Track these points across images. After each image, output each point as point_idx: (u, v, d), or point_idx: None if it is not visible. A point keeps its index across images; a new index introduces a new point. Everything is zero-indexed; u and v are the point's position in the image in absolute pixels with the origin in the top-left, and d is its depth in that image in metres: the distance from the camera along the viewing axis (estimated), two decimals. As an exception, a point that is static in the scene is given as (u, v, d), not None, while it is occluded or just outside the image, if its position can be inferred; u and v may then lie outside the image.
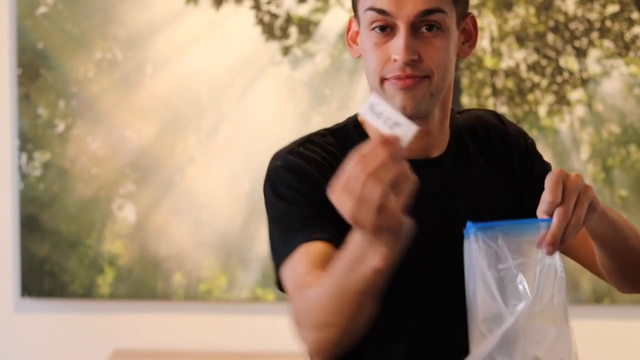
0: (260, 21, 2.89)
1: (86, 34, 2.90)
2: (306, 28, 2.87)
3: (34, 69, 2.90)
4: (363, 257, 1.12)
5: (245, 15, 2.89)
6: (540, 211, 1.23)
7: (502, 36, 2.86)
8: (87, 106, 2.90)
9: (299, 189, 1.36)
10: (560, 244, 1.22)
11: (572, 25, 2.85)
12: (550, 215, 1.21)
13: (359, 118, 1.43)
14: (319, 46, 2.87)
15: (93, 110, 2.90)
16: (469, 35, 1.40)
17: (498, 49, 2.86)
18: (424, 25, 1.32)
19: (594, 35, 2.85)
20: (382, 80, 1.33)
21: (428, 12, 1.31)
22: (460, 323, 1.29)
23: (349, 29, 1.43)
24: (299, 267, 1.29)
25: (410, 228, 1.10)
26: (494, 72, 2.87)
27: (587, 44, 2.86)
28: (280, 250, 1.34)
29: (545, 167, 1.50)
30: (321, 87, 2.86)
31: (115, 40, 2.90)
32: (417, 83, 1.32)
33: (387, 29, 1.33)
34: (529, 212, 1.31)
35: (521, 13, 2.86)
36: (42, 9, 2.89)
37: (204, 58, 2.90)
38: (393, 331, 1.37)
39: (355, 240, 1.13)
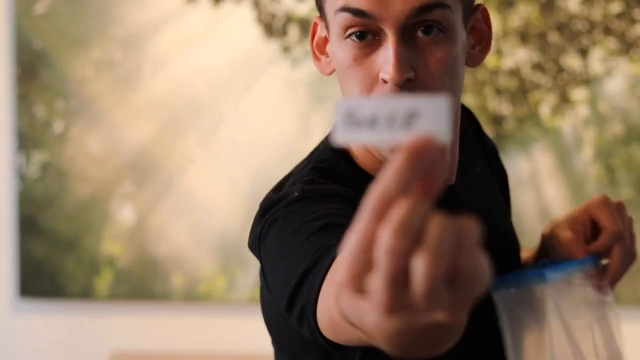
0: (260, 20, 2.88)
1: (85, 34, 2.89)
2: (306, 27, 2.87)
3: (32, 68, 2.89)
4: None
5: (244, 15, 2.88)
6: (598, 245, 1.06)
7: (504, 35, 2.85)
8: (86, 106, 2.90)
9: (334, 205, 1.00)
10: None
11: (575, 24, 2.84)
12: (605, 249, 1.05)
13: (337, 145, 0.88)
14: (319, 45, 2.86)
15: (91, 110, 2.90)
16: (481, 36, 1.07)
17: (500, 48, 2.85)
18: (420, 28, 0.97)
19: (597, 34, 2.83)
20: None
21: (425, 8, 0.96)
22: None
23: (313, 35, 1.09)
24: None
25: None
26: (495, 72, 2.85)
27: (590, 43, 2.84)
28: (297, 300, 0.97)
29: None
30: (321, 87, 2.85)
31: (114, 39, 2.89)
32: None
33: (368, 36, 0.99)
34: None
35: (523, 12, 2.84)
36: (40, 8, 2.88)
37: (203, 58, 2.89)
38: None
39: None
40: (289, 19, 2.88)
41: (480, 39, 1.08)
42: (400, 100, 0.61)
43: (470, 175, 1.17)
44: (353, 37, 0.99)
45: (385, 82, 0.97)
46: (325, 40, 1.07)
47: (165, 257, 2.90)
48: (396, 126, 0.60)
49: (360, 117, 0.61)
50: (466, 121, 1.23)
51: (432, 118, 0.59)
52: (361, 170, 1.07)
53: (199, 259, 2.90)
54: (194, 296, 2.90)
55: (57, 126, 2.90)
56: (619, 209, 1.07)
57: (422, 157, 0.55)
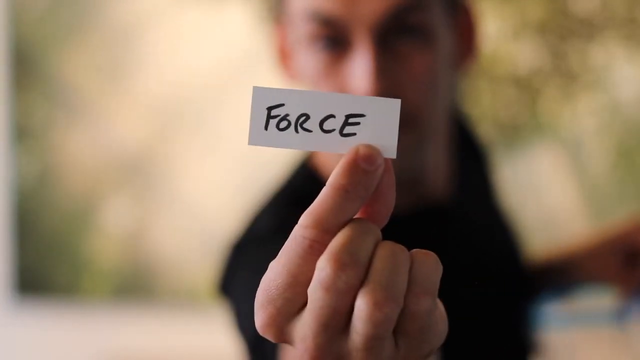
0: (260, 19, 2.88)
1: (82, 31, 2.88)
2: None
3: (27, 67, 2.89)
4: None
5: (244, 13, 2.87)
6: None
7: (514, 30, 2.84)
8: (82, 105, 2.90)
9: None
10: None
11: (579, 23, 2.83)
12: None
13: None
14: (318, 44, 2.87)
15: (88, 110, 2.90)
16: (468, 35, 0.91)
17: (502, 44, 2.84)
18: (395, 31, 0.82)
19: (609, 28, 2.83)
20: None
21: (400, 11, 0.81)
22: None
23: (278, 40, 0.95)
24: None
25: None
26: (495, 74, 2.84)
27: (595, 41, 2.83)
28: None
29: None
30: (320, 85, 2.85)
31: (111, 37, 2.88)
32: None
33: (339, 45, 0.85)
34: None
35: (528, 6, 2.84)
36: (36, 6, 2.87)
37: (201, 56, 2.88)
38: None
39: None
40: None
41: (468, 39, 0.91)
42: (339, 97, 0.47)
43: (467, 187, 1.01)
44: (322, 47, 0.85)
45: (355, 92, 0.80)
46: (287, 47, 0.90)
47: (162, 257, 2.90)
48: (332, 130, 0.46)
49: (284, 113, 0.46)
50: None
51: (379, 124, 0.46)
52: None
53: (195, 260, 2.90)
54: (189, 297, 2.89)
55: (53, 125, 2.89)
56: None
57: (365, 173, 0.44)
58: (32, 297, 2.91)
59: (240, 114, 2.91)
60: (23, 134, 2.90)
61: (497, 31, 2.84)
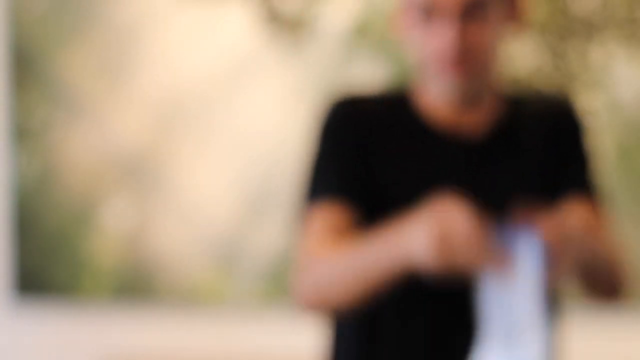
0: (261, 20, 2.89)
1: (82, 32, 2.89)
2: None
3: (28, 68, 2.90)
4: (390, 251, 1.22)
5: (245, 14, 2.88)
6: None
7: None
8: (83, 106, 2.91)
9: (345, 145, 1.39)
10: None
11: (587, 20, 2.84)
12: None
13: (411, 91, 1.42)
14: (318, 44, 2.88)
15: (89, 110, 2.91)
16: (515, 5, 1.39)
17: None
18: (469, 10, 1.32)
19: (610, 30, 2.83)
20: (432, 66, 1.35)
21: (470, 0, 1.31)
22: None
23: (397, 15, 1.42)
24: (324, 217, 1.35)
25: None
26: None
27: (595, 41, 2.84)
28: (314, 187, 1.40)
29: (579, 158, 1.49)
30: (321, 87, 2.85)
31: (112, 38, 2.90)
32: (468, 72, 1.33)
33: (433, 15, 1.33)
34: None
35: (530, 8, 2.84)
36: (36, 6, 2.88)
37: (202, 57, 2.89)
38: (411, 305, 1.41)
39: (408, 234, 1.21)
40: (290, 18, 2.88)
41: (514, 9, 1.39)
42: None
43: (505, 156, 1.40)
44: (423, 15, 1.32)
45: (441, 51, 1.32)
46: (403, 15, 1.39)
47: (162, 257, 2.91)
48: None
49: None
50: (561, 123, 1.46)
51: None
52: (412, 115, 1.40)
53: (196, 260, 2.90)
54: (190, 297, 2.90)
55: (54, 125, 2.90)
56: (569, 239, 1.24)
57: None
58: (33, 297, 2.92)
59: (241, 114, 2.92)
60: (23, 134, 2.91)
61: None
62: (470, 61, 1.33)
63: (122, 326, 2.95)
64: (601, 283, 1.37)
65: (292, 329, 2.68)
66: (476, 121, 1.39)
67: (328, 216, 1.35)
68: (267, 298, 2.89)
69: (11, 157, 2.91)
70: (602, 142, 2.84)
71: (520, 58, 2.85)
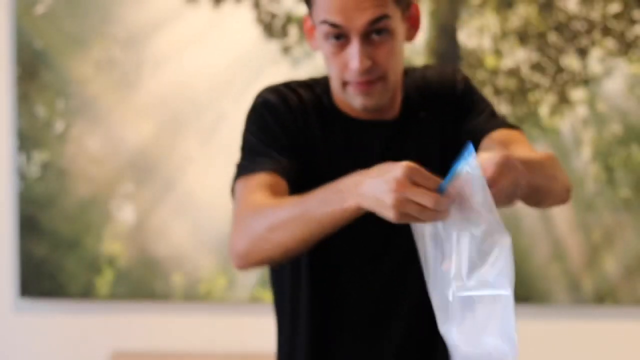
0: (260, 21, 2.89)
1: (85, 33, 2.89)
2: (306, 27, 2.87)
3: (32, 68, 2.89)
4: (343, 196, 1.26)
5: (245, 15, 2.88)
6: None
7: (503, 35, 2.85)
8: (86, 106, 2.90)
9: (271, 130, 1.54)
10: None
11: (574, 25, 2.85)
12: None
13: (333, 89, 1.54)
14: (319, 45, 2.87)
15: (92, 110, 2.90)
16: (414, 21, 1.53)
17: (499, 49, 2.85)
18: (373, 32, 1.44)
19: (596, 34, 2.84)
20: (344, 83, 1.47)
21: (375, 21, 1.43)
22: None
23: (305, 23, 1.56)
24: (255, 184, 1.45)
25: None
26: (494, 72, 2.86)
27: (589, 43, 2.85)
28: (242, 167, 1.52)
29: (478, 105, 1.61)
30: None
31: (114, 39, 2.89)
32: (374, 85, 1.46)
33: (341, 38, 1.45)
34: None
35: (522, 12, 2.85)
36: (40, 8, 2.88)
37: (203, 58, 2.89)
38: (368, 264, 1.54)
39: (345, 184, 1.27)
40: (288, 19, 2.88)
41: (415, 23, 1.53)
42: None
43: (414, 123, 1.56)
44: (332, 39, 1.46)
45: (351, 70, 1.45)
46: (312, 27, 1.52)
47: (165, 256, 2.91)
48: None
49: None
50: (437, 83, 1.60)
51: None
52: (333, 105, 1.55)
53: (199, 259, 2.90)
54: (194, 296, 2.90)
55: (58, 126, 2.90)
56: (507, 164, 1.25)
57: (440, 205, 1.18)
58: (38, 297, 2.91)
59: (244, 114, 2.91)
60: (30, 135, 2.90)
61: (497, 34, 2.86)
62: (376, 74, 1.45)
63: (130, 325, 2.95)
64: (544, 196, 1.42)
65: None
66: (387, 109, 1.54)
67: (262, 180, 1.45)
68: (269, 298, 2.88)
69: (17, 158, 2.90)
70: (600, 141, 2.85)
71: (520, 58, 2.87)
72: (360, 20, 1.42)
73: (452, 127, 1.57)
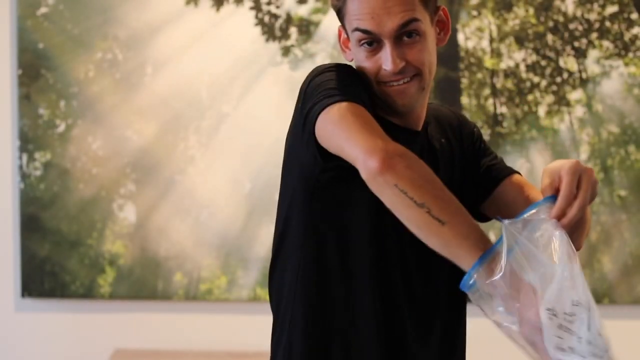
0: (261, 22, 2.89)
1: (86, 35, 2.90)
2: (306, 28, 2.88)
3: (34, 69, 2.90)
4: (472, 252, 1.29)
5: (245, 16, 2.89)
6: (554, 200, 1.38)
7: (502, 37, 2.86)
8: (88, 106, 2.91)
9: (358, 77, 1.54)
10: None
11: (572, 26, 2.86)
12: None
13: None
14: (319, 46, 2.88)
15: (93, 111, 2.91)
16: (443, 25, 1.60)
17: (498, 50, 2.86)
18: (404, 35, 1.50)
19: (594, 35, 2.85)
20: (378, 83, 1.53)
21: (405, 24, 1.49)
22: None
23: (340, 36, 1.62)
24: (366, 114, 1.45)
25: None
26: (493, 73, 2.87)
27: (587, 45, 2.86)
28: (339, 91, 1.48)
29: (489, 149, 1.72)
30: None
31: (115, 40, 2.90)
32: (409, 84, 1.52)
33: (374, 44, 1.52)
34: (473, 181, 1.63)
35: (521, 13, 2.86)
36: (42, 10, 2.89)
37: (204, 58, 2.90)
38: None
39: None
40: (289, 20, 2.89)
41: (444, 27, 1.60)
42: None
43: (435, 140, 1.62)
44: (365, 45, 1.52)
45: (386, 71, 1.51)
46: (347, 39, 1.58)
47: (166, 256, 2.91)
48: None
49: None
50: (448, 116, 1.69)
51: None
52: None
53: (200, 258, 2.91)
54: (195, 295, 2.91)
55: (60, 126, 2.91)
56: (582, 173, 1.37)
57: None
58: (40, 297, 2.92)
59: (244, 115, 2.92)
60: (32, 135, 2.91)
61: (495, 35, 2.87)
62: (409, 73, 1.50)
63: (129, 324, 2.95)
64: (581, 234, 1.49)
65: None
66: (417, 119, 1.60)
67: (356, 110, 1.44)
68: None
69: (19, 157, 2.90)
70: (597, 141, 2.86)
71: (518, 59, 2.87)
72: (391, 24, 1.48)
73: (471, 159, 1.66)
